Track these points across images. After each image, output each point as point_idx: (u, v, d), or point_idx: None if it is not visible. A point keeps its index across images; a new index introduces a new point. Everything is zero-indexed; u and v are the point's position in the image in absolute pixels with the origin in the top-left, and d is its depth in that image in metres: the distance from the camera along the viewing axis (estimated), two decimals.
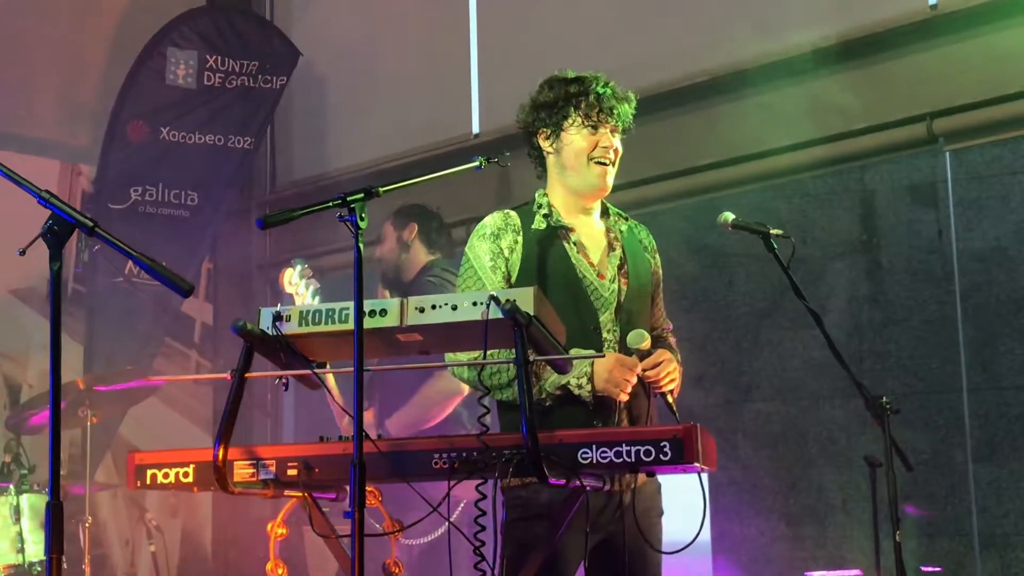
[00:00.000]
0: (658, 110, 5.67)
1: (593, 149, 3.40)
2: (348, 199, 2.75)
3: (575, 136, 3.41)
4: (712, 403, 5.85)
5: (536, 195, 3.50)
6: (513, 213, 3.45)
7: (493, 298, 2.70)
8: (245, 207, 7.51)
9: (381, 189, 2.90)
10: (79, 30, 7.13)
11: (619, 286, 3.40)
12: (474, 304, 2.74)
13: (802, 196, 5.69)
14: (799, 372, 5.63)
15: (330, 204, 2.80)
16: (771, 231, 3.88)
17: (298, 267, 4.66)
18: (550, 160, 3.48)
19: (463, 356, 3.23)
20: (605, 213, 3.54)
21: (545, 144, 3.47)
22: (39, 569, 5.04)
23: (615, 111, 3.41)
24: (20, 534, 5.09)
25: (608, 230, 3.50)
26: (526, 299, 2.71)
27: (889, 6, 5.24)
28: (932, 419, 5.27)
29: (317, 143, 7.54)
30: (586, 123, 3.39)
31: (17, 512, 5.11)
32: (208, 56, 6.93)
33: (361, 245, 2.73)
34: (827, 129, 5.37)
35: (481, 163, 3.29)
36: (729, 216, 3.91)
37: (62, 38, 7.07)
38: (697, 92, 5.72)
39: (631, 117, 3.46)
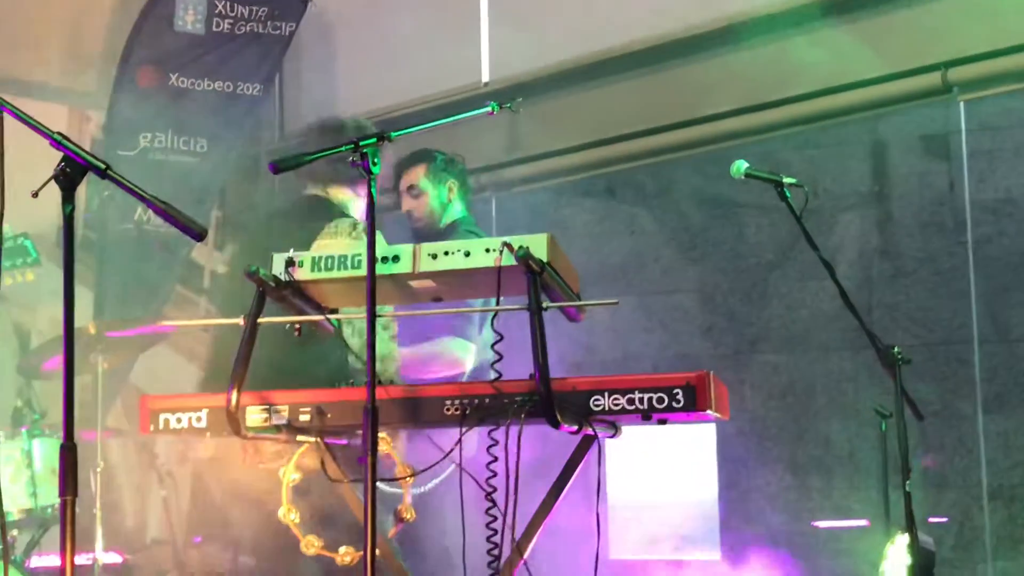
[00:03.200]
0: (667, 59, 5.62)
1: None
2: (361, 144, 2.73)
3: None
4: (720, 354, 5.85)
5: None
6: None
7: (506, 244, 2.69)
8: (254, 154, 7.49)
9: (393, 134, 2.89)
10: None
11: None
12: (487, 251, 2.73)
13: (814, 146, 5.65)
14: (807, 323, 5.62)
15: (343, 148, 2.78)
16: (784, 180, 3.86)
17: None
18: None
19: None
20: None
21: None
22: (51, 512, 5.07)
23: None
24: (32, 478, 5.11)
25: None
26: (539, 245, 2.70)
27: None
28: (941, 371, 5.27)
29: (326, 90, 7.49)
30: None
31: (29, 456, 5.13)
32: (217, 2, 6.87)
33: (374, 191, 2.72)
34: (840, 78, 5.33)
35: (494, 108, 3.27)
36: (743, 165, 3.89)
37: None
38: (707, 41, 5.66)
39: None
